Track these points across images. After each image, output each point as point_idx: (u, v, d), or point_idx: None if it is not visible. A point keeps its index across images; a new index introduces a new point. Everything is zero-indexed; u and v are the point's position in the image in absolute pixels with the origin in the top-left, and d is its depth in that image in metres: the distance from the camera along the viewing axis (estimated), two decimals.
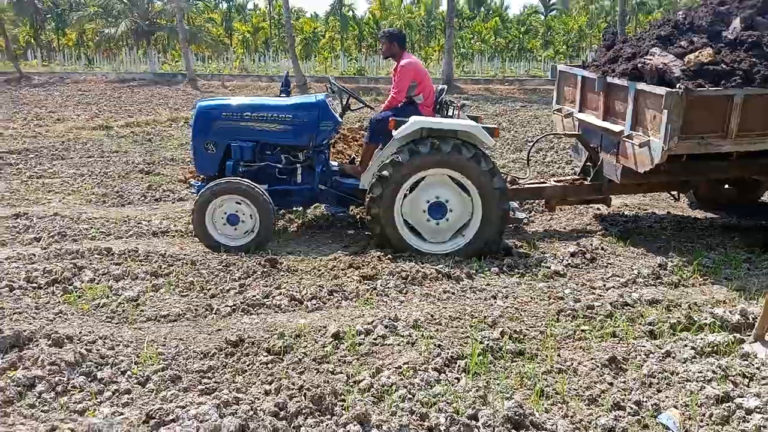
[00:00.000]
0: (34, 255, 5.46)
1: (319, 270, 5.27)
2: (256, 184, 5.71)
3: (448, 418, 2.91)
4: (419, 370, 3.46)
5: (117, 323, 4.21)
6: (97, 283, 4.81)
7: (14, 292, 4.63)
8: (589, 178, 6.54)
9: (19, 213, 6.84)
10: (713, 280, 5.19)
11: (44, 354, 3.50)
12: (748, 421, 3.05)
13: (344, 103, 6.42)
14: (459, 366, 3.52)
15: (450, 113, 6.22)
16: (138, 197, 7.82)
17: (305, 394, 3.13)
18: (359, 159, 6.65)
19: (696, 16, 6.04)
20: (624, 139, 5.73)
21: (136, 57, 35.77)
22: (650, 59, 5.51)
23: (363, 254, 5.65)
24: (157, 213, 7.14)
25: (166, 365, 3.56)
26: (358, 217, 6.86)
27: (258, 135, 6.09)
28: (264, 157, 6.15)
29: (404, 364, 3.52)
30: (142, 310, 4.38)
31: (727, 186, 7.49)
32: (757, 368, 3.55)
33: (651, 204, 7.82)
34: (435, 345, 3.79)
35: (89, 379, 3.38)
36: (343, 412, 3.03)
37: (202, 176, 6.43)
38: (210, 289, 4.79)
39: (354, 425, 2.85)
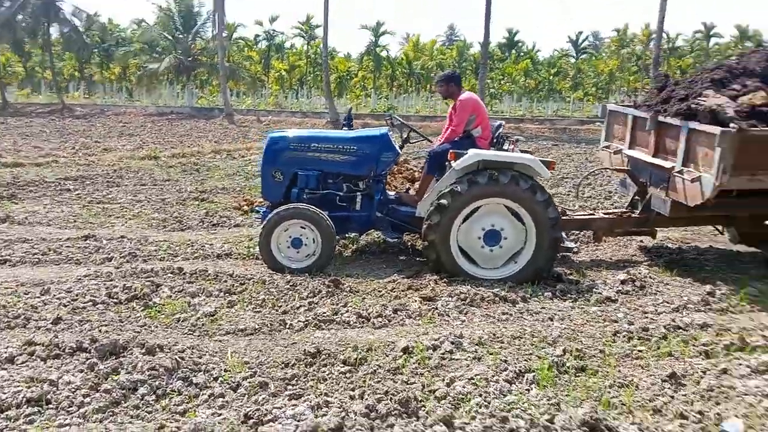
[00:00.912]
0: (111, 273, 5.81)
1: (380, 291, 5.55)
2: (320, 211, 6.05)
3: (528, 421, 3.14)
4: (491, 381, 3.69)
5: (199, 335, 4.51)
6: (175, 299, 5.14)
7: (97, 306, 4.95)
8: (637, 211, 6.79)
9: (87, 235, 7.23)
10: (761, 307, 5.35)
11: (141, 361, 3.80)
12: None
13: (404, 136, 6.78)
14: (527, 378, 3.75)
15: (505, 147, 6.54)
16: (197, 222, 8.21)
17: (391, 398, 3.39)
18: (414, 189, 6.96)
19: (749, 61, 6.34)
20: (675, 174, 6.00)
21: (174, 91, 37.04)
22: (704, 100, 5.81)
23: (419, 277, 5.93)
24: (217, 237, 7.50)
25: (253, 373, 3.84)
26: (410, 243, 7.15)
27: (323, 165, 6.45)
28: (327, 185, 6.51)
29: (476, 375, 3.76)
30: (220, 324, 4.69)
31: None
32: None
33: (693, 238, 8.00)
34: (501, 360, 4.02)
35: (186, 384, 3.65)
36: (428, 415, 3.27)
37: (267, 202, 6.79)
38: (281, 306, 5.09)
39: (440, 426, 3.09)
